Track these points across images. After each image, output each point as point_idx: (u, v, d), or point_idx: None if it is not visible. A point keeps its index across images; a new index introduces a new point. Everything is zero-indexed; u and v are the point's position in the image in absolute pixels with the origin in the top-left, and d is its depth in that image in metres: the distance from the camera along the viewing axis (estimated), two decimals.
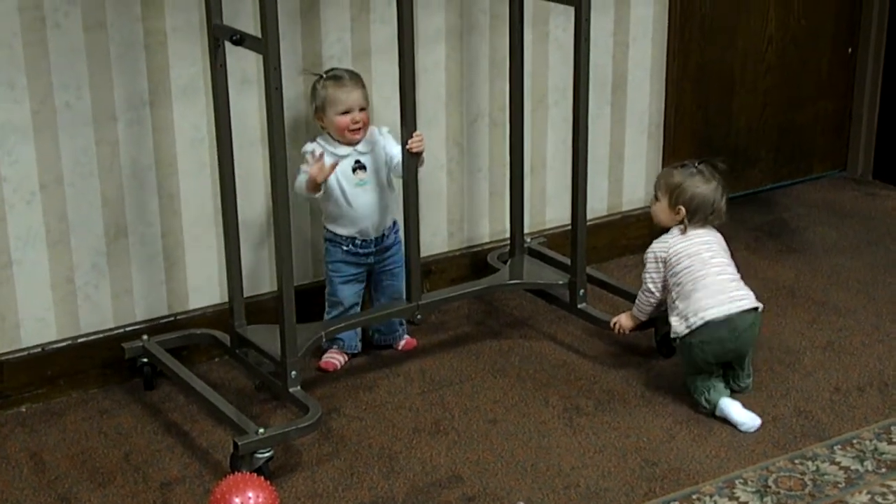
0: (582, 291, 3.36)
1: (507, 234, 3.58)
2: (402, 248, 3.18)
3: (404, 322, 3.33)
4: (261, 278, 3.29)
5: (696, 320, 2.95)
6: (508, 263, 3.52)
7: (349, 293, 3.20)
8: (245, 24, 2.99)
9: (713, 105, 4.23)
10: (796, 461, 2.80)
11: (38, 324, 3.04)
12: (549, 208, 3.77)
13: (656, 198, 3.11)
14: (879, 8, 4.40)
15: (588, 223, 3.38)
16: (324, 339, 3.08)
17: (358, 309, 3.23)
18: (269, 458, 2.72)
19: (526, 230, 3.58)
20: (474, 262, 3.63)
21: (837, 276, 3.79)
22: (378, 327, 3.28)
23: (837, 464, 2.79)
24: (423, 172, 3.18)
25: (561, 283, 3.39)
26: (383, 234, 3.20)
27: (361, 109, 3.09)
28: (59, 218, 3.00)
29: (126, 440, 2.92)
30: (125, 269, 3.12)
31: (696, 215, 3.04)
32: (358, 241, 3.17)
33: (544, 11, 3.54)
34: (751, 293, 3.01)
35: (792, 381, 3.16)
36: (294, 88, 3.19)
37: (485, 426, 2.97)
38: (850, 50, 4.48)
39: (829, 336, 3.41)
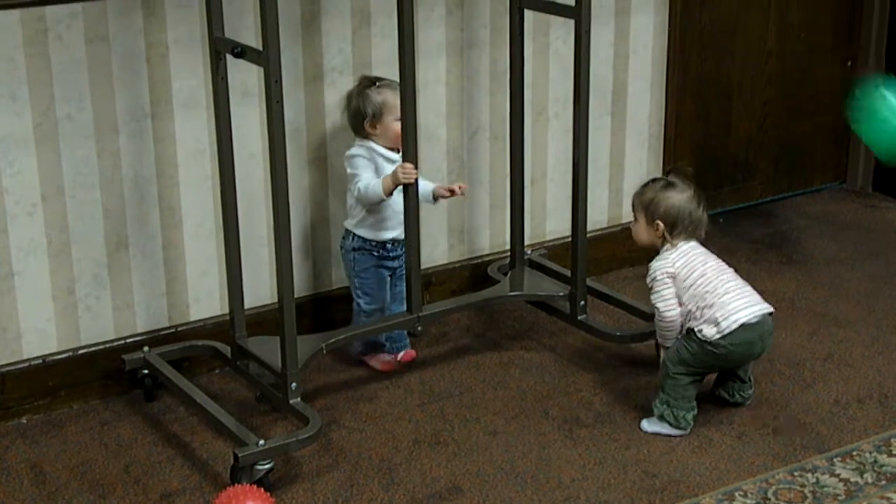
0: (582, 303, 3.36)
1: (508, 246, 3.58)
2: None
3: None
4: (261, 290, 3.30)
5: (729, 324, 2.90)
6: (509, 275, 3.53)
7: (386, 295, 3.22)
8: (246, 36, 3.00)
9: (713, 117, 4.24)
10: (796, 473, 2.81)
11: (39, 335, 3.05)
12: (550, 220, 3.78)
13: (635, 219, 3.07)
14: (878, 21, 4.42)
15: (588, 235, 3.39)
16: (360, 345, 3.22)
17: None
18: (270, 470, 2.72)
19: (526, 242, 3.58)
20: (475, 273, 3.64)
21: (837, 287, 3.80)
22: (389, 335, 3.29)
23: (837, 476, 2.79)
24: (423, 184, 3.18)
25: (561, 294, 3.39)
26: None
27: None
28: (61, 229, 3.00)
29: (126, 452, 2.92)
30: (126, 281, 3.13)
31: (676, 228, 2.99)
32: (389, 246, 3.18)
33: (544, 24, 3.55)
34: None
35: (792, 393, 3.16)
36: (295, 101, 3.20)
37: (485, 438, 2.97)
38: (849, 63, 4.49)
39: (830, 348, 3.41)
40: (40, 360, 3.06)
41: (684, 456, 2.88)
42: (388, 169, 3.09)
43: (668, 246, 3.01)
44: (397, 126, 3.06)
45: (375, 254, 3.18)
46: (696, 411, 2.98)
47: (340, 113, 3.22)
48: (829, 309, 3.65)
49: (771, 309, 2.99)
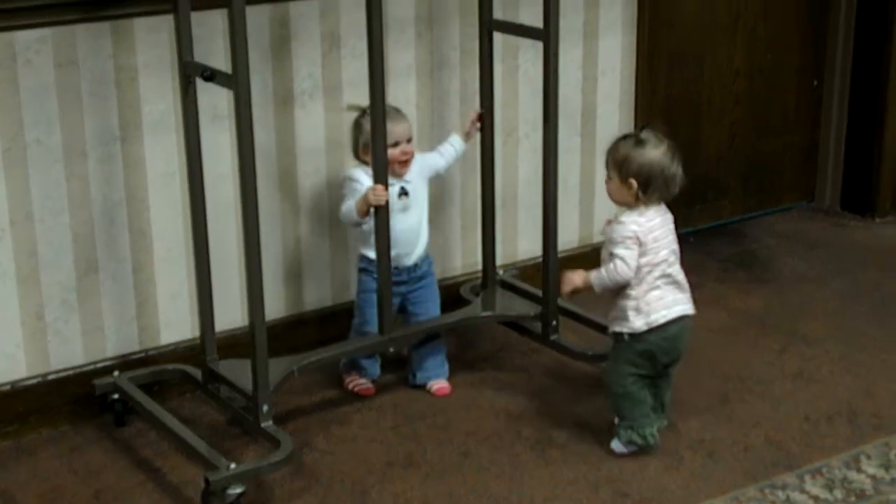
0: (554, 323, 3.38)
1: (480, 267, 3.60)
2: (435, 279, 3.28)
3: (446, 363, 3.32)
4: (232, 313, 3.29)
5: (659, 317, 2.88)
6: (481, 296, 3.54)
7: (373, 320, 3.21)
8: (216, 60, 3.01)
9: (682, 137, 4.22)
10: (766, 490, 2.82)
11: (7, 360, 3.03)
12: (521, 240, 3.79)
13: (608, 177, 2.92)
14: (844, 41, 4.47)
15: (560, 255, 3.40)
16: (342, 365, 3.23)
17: None
18: (241, 494, 2.71)
19: (498, 262, 3.59)
20: (447, 294, 3.64)
21: (806, 305, 3.83)
22: (415, 368, 3.30)
23: (807, 493, 2.81)
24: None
25: (533, 314, 3.40)
26: (416, 264, 3.22)
27: (408, 141, 3.13)
28: (30, 254, 2.99)
29: (97, 477, 2.90)
30: (96, 305, 3.11)
31: (650, 186, 2.85)
32: (392, 269, 3.16)
33: (513, 46, 3.58)
34: None
35: (762, 411, 3.18)
36: (265, 123, 3.21)
37: (457, 459, 2.97)
38: (815, 82, 4.54)
39: (799, 365, 3.43)
40: (9, 386, 3.04)
41: (656, 475, 2.89)
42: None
43: (641, 207, 2.89)
44: (391, 153, 3.06)
45: (376, 276, 3.14)
46: (661, 422, 2.98)
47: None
48: (798, 327, 3.67)
49: (692, 312, 2.96)
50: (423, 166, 3.22)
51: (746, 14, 4.30)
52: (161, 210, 3.14)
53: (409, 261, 3.21)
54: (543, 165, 3.27)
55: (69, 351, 3.10)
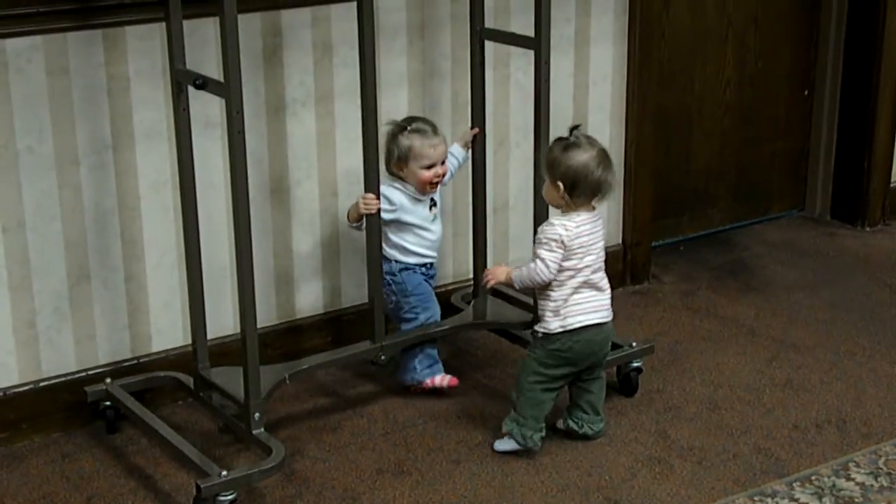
0: None
1: (471, 275, 3.60)
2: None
3: (438, 360, 3.34)
4: (224, 320, 3.29)
5: (575, 322, 2.92)
6: (472, 304, 3.54)
7: (436, 305, 3.30)
8: (208, 68, 3.02)
9: (672, 146, 4.29)
10: (756, 498, 2.83)
11: None
12: (513, 248, 3.80)
13: (543, 178, 2.96)
14: (834, 50, 4.49)
15: None
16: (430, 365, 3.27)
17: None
18: (233, 501, 2.71)
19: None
20: (438, 302, 3.65)
21: (796, 314, 3.84)
22: (413, 366, 3.32)
23: (796, 500, 2.82)
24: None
25: (524, 322, 3.41)
26: (435, 265, 3.32)
27: (442, 163, 3.17)
28: (21, 262, 2.99)
29: (89, 484, 2.90)
30: (88, 313, 3.12)
31: (576, 189, 2.87)
32: (428, 264, 3.27)
33: (505, 55, 3.59)
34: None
35: (752, 419, 3.19)
36: (257, 132, 3.22)
37: (448, 466, 2.98)
38: (806, 92, 4.56)
39: (789, 374, 3.45)
40: (1, 393, 3.04)
41: (646, 482, 2.90)
42: (413, 208, 3.17)
43: (572, 211, 2.91)
44: (422, 174, 3.13)
45: (419, 271, 3.25)
46: (544, 433, 2.99)
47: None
48: (787, 335, 3.69)
49: (610, 318, 2.99)
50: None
51: (737, 24, 4.32)
52: (153, 218, 3.15)
53: (434, 262, 3.31)
54: (534, 173, 3.27)
55: (61, 358, 3.11)
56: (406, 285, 3.25)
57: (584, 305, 2.94)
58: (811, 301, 3.94)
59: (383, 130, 3.14)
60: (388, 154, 3.18)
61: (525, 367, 3.00)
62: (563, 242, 2.89)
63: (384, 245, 3.20)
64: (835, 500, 2.82)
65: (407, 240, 3.22)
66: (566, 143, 2.92)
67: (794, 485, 2.88)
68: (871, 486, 2.88)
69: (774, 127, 4.54)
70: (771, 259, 4.29)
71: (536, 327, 3.01)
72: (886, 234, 4.51)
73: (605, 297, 2.99)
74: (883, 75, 4.38)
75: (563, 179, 2.89)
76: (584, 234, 2.92)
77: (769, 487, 2.87)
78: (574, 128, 2.97)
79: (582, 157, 2.89)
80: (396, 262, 3.24)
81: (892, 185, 4.58)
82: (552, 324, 2.95)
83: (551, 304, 2.95)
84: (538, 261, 2.91)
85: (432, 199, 3.24)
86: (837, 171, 4.59)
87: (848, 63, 4.46)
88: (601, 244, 2.98)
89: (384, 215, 3.13)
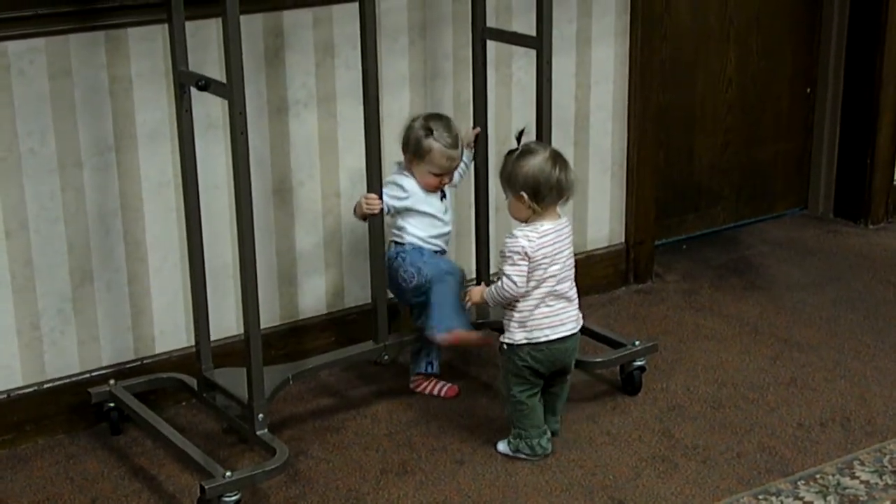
0: None
1: (474, 275, 3.60)
2: None
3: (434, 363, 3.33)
4: (228, 321, 3.30)
5: (541, 335, 2.91)
6: None
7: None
8: (211, 69, 3.02)
9: (675, 145, 4.28)
10: (760, 497, 2.83)
11: (3, 370, 3.03)
12: None
13: (506, 195, 2.95)
14: (836, 48, 4.49)
15: None
16: (425, 366, 3.27)
17: None
18: (237, 502, 2.71)
19: (492, 269, 3.59)
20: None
21: (800, 312, 3.84)
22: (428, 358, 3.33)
23: (801, 499, 2.82)
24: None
25: None
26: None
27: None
28: (25, 264, 3.00)
29: (93, 486, 2.91)
30: (91, 314, 3.12)
31: (540, 194, 2.86)
32: (441, 251, 3.25)
33: (507, 55, 3.59)
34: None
35: (756, 417, 3.19)
36: (259, 132, 3.22)
37: (452, 466, 2.98)
38: (808, 90, 4.56)
39: (793, 372, 3.44)
40: (5, 395, 3.04)
41: (650, 481, 2.90)
42: (426, 198, 3.15)
43: (536, 221, 2.90)
44: (431, 179, 3.13)
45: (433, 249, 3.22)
46: (548, 434, 2.99)
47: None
48: (791, 334, 3.69)
49: (578, 329, 2.98)
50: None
51: (739, 22, 4.32)
52: (156, 219, 3.15)
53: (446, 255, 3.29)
54: None
55: (65, 360, 3.11)
56: (423, 255, 3.18)
57: (551, 319, 2.92)
58: (815, 299, 3.93)
59: (407, 123, 3.17)
60: (404, 145, 3.17)
61: (504, 382, 2.99)
62: (526, 254, 2.87)
63: (401, 234, 3.19)
64: (839, 499, 2.82)
65: (423, 229, 3.18)
66: (517, 154, 2.93)
67: (799, 483, 2.88)
68: (876, 484, 2.88)
69: (777, 125, 4.53)
70: (774, 257, 4.29)
71: (502, 338, 2.97)
72: (890, 232, 4.50)
73: (572, 308, 2.97)
74: (885, 73, 4.37)
75: (524, 189, 2.88)
76: (548, 243, 2.90)
77: (774, 486, 2.87)
78: (520, 133, 2.98)
79: (536, 162, 2.88)
80: (411, 244, 3.19)
81: (895, 183, 4.57)
82: (517, 335, 2.93)
83: (517, 315, 2.93)
84: (504, 278, 2.90)
85: (442, 191, 3.23)
86: (840, 170, 4.58)
87: (850, 61, 4.46)
88: (568, 252, 2.95)
89: (396, 203, 3.13)
